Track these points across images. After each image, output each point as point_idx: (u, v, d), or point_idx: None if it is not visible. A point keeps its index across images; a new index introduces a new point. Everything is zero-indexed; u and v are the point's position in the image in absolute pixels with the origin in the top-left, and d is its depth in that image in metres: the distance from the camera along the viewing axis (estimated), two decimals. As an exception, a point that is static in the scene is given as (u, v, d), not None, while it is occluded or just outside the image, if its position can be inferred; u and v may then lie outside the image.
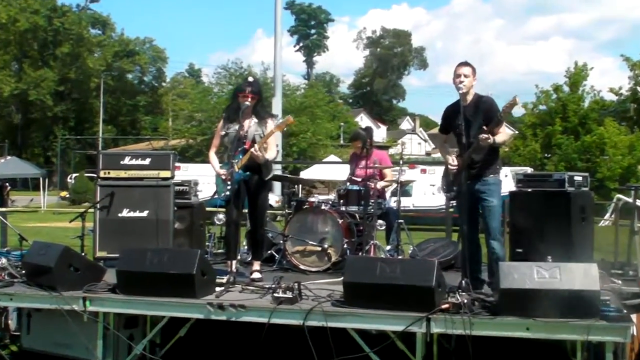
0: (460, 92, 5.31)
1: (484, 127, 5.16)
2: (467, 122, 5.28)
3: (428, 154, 60.06)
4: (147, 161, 6.82)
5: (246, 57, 54.69)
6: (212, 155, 6.09)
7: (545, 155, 28.05)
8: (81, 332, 5.09)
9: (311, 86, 43.50)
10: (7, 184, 19.93)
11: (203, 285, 5.03)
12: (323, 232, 6.83)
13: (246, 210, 6.09)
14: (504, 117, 5.12)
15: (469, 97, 5.40)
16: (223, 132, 5.96)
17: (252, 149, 5.68)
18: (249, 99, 5.82)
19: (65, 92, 51.81)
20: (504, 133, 5.38)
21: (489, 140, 5.13)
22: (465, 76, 5.32)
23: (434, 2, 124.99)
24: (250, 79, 6.08)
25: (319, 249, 6.76)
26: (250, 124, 5.89)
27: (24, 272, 5.63)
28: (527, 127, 29.14)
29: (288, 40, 73.71)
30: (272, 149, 5.93)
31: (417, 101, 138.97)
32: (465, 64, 5.40)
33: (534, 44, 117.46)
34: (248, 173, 5.82)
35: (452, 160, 5.42)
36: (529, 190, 6.23)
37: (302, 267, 6.76)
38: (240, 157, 5.80)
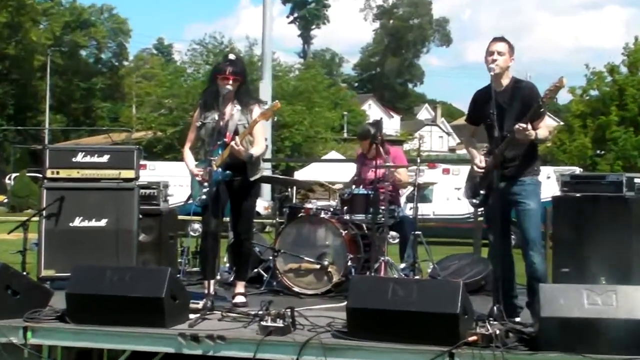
0: (493, 73, 5.32)
1: (522, 118, 5.16)
2: (501, 111, 5.29)
3: (452, 150, 60.09)
4: (106, 158, 6.82)
5: (228, 30, 55.16)
6: (187, 151, 6.10)
7: (598, 151, 28.10)
8: (21, 371, 5.07)
9: (308, 67, 43.54)
10: None
11: (174, 311, 5.03)
12: (322, 246, 6.84)
13: (228, 219, 6.10)
14: (546, 102, 5.12)
15: (504, 81, 5.41)
16: (199, 123, 5.97)
17: (233, 143, 5.69)
18: (230, 82, 5.83)
19: (3, 72, 51.72)
20: (546, 126, 5.40)
21: (528, 133, 5.14)
22: (500, 54, 5.33)
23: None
24: (232, 56, 6.09)
25: (317, 266, 6.77)
26: (232, 112, 5.90)
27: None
28: (575, 117, 29.21)
29: (280, 9, 73.80)
30: (259, 143, 5.93)
31: (439, 85, 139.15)
32: (500, 39, 5.41)
33: (585, 13, 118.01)
34: (229, 172, 5.83)
35: (480, 161, 5.44)
36: (577, 195, 6.24)
37: (296, 289, 6.78)
38: (220, 152, 5.81)
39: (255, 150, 5.87)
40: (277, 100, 5.98)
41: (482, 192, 5.47)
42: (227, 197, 5.90)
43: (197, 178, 5.86)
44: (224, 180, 5.82)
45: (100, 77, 57.94)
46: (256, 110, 5.94)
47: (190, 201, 6.05)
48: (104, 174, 6.77)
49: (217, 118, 5.81)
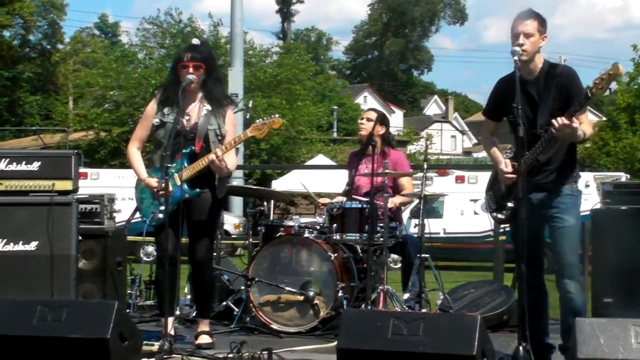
0: (517, 58, 5.30)
1: (558, 112, 5.18)
2: (532, 105, 5.32)
3: (467, 152, 60.31)
4: (35, 166, 6.80)
5: (188, 5, 54.90)
6: (135, 152, 6.12)
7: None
8: None
9: (288, 50, 43.54)
10: None
11: (122, 355, 5.02)
12: (306, 273, 6.86)
13: (187, 240, 6.11)
14: (596, 94, 5.10)
15: (535, 67, 5.41)
16: (157, 120, 5.99)
17: (213, 156, 5.72)
18: (191, 70, 5.87)
19: None
20: (589, 122, 5.42)
21: (572, 131, 5.07)
22: (527, 36, 5.29)
23: None
24: (195, 41, 6.13)
25: (301, 298, 6.79)
26: (200, 113, 5.93)
27: None
28: (621, 110, 29.29)
29: (253, -22, 73.95)
30: (231, 154, 5.98)
31: (451, 73, 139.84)
32: (527, 15, 5.36)
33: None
34: (198, 191, 5.89)
35: (505, 166, 5.45)
36: (623, 207, 6.28)
37: (274, 326, 6.79)
38: (185, 164, 5.83)
39: (232, 164, 5.92)
40: (277, 115, 6.00)
41: (509, 204, 5.47)
42: (186, 215, 5.92)
43: (152, 190, 5.87)
44: (187, 199, 5.85)
45: (28, 64, 57.72)
46: (229, 114, 5.99)
47: (137, 218, 6.05)
48: (34, 185, 6.74)
49: (177, 118, 5.83)
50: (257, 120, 6.05)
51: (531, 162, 5.28)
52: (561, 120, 5.06)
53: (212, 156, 5.74)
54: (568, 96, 5.22)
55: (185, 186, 5.85)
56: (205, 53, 6.04)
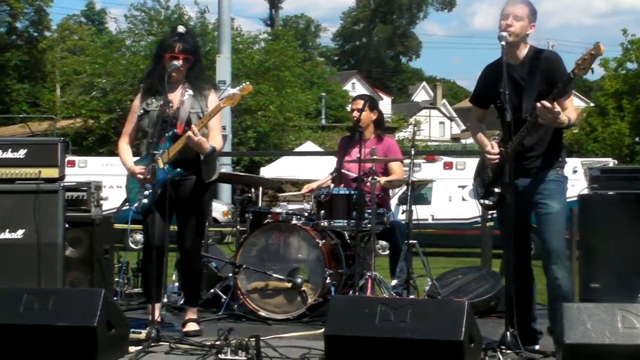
0: (504, 42, 5.30)
1: (544, 97, 5.17)
2: (518, 89, 5.33)
3: (455, 138, 60.41)
4: (22, 153, 6.77)
5: (175, -9, 54.53)
6: (124, 145, 6.12)
7: (637, 139, 28.24)
8: None
9: (277, 37, 43.44)
10: None
11: (109, 343, 5.01)
12: (294, 259, 6.86)
13: (176, 228, 6.09)
14: (578, 75, 5.09)
15: (521, 52, 5.43)
16: (141, 111, 5.98)
17: (189, 133, 5.70)
18: (180, 62, 5.85)
19: None
20: (574, 108, 5.42)
21: (554, 115, 5.10)
22: (517, 18, 5.32)
23: None
24: (181, 29, 6.11)
25: (289, 285, 6.79)
26: (183, 98, 5.92)
27: None
28: (608, 96, 29.31)
29: (240, -35, 73.71)
30: (216, 136, 5.97)
31: (439, 60, 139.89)
32: (522, 0, 5.40)
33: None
34: (180, 170, 5.85)
35: (491, 147, 5.45)
36: (610, 193, 6.29)
37: (262, 313, 6.80)
38: (168, 146, 5.81)
39: (216, 143, 5.89)
40: (247, 82, 6.01)
41: (496, 190, 5.48)
42: (175, 202, 5.89)
43: (137, 177, 5.84)
44: (172, 180, 5.82)
45: (15, 52, 57.44)
46: (212, 97, 5.98)
47: (127, 206, 6.03)
48: (20, 173, 6.70)
49: (162, 105, 5.82)
50: (227, 91, 6.02)
51: (516, 146, 5.28)
52: (544, 103, 5.07)
53: (189, 133, 5.71)
54: (553, 81, 5.23)
55: (168, 168, 5.82)
56: (192, 42, 6.07)
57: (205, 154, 5.86)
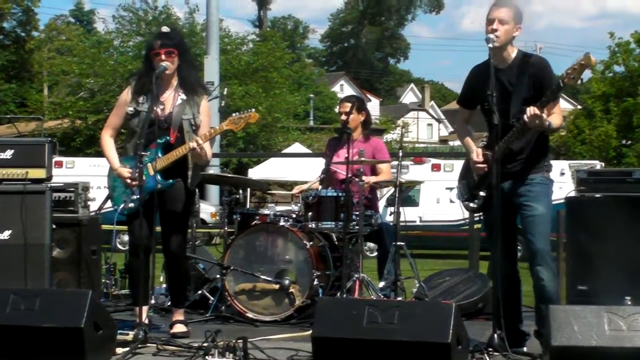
0: (491, 45, 5.32)
1: (531, 101, 5.19)
2: (505, 94, 5.33)
3: (443, 140, 60.49)
4: (9, 154, 6.76)
5: (163, -9, 54.41)
6: (108, 140, 6.10)
7: (624, 142, 28.33)
8: None
9: (265, 38, 43.44)
10: None
11: (97, 344, 5.01)
12: (282, 261, 6.86)
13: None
14: (567, 84, 5.12)
15: (508, 56, 5.44)
16: (131, 109, 5.96)
17: (193, 144, 5.72)
18: (163, 57, 5.84)
19: None
20: (560, 113, 5.44)
21: (541, 122, 5.13)
22: (501, 22, 5.34)
23: None
24: (165, 29, 6.11)
25: (276, 287, 6.79)
26: (175, 102, 5.91)
27: None
28: (596, 99, 29.39)
29: (228, -35, 73.59)
30: (206, 143, 5.95)
31: (427, 62, 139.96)
32: (506, 3, 5.40)
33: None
34: (172, 181, 5.89)
35: (477, 155, 5.46)
36: (597, 195, 6.31)
37: (249, 315, 6.79)
38: (159, 154, 5.81)
39: (208, 154, 5.92)
40: (253, 110, 6.03)
41: (481, 193, 5.50)
42: (159, 203, 5.90)
43: (125, 180, 5.82)
44: (160, 189, 5.83)
45: (2, 52, 57.25)
46: (204, 105, 5.98)
47: (109, 206, 6.02)
48: (7, 173, 6.70)
49: (151, 107, 5.80)
50: (234, 114, 6.04)
51: (503, 150, 5.30)
52: (533, 110, 5.09)
53: (192, 144, 5.73)
54: (541, 86, 5.26)
55: (159, 177, 5.83)
56: (176, 39, 6.04)
57: (202, 164, 5.88)
